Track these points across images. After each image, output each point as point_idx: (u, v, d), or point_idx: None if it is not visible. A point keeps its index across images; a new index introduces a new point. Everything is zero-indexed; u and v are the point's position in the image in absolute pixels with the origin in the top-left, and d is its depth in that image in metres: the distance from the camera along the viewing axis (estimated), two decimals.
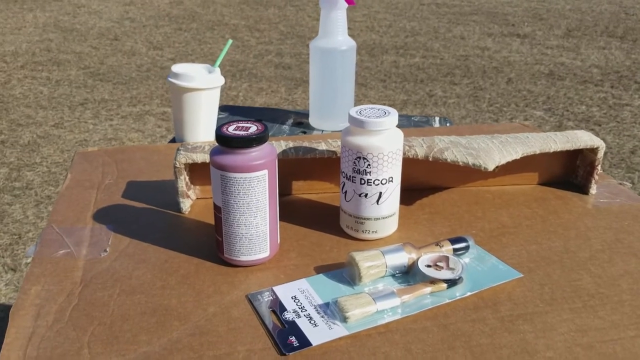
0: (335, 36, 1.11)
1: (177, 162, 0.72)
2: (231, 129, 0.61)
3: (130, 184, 0.84)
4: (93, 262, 0.66)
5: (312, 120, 1.18)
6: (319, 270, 0.64)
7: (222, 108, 1.25)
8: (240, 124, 0.62)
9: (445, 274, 0.60)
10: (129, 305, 0.59)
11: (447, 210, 0.76)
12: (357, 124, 0.64)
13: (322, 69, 1.12)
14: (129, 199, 0.80)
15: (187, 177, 0.75)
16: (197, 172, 0.77)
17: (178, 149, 0.75)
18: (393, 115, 0.64)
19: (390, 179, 0.66)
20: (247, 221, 0.61)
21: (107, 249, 0.68)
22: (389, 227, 0.69)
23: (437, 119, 1.23)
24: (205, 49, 4.54)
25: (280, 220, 0.74)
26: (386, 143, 0.64)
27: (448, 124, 1.20)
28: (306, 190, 0.80)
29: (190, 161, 0.73)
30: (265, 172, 0.60)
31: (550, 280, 0.62)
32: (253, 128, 0.61)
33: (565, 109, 3.45)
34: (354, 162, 0.65)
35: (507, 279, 0.62)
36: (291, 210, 0.76)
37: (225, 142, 0.59)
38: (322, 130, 1.15)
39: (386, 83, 3.79)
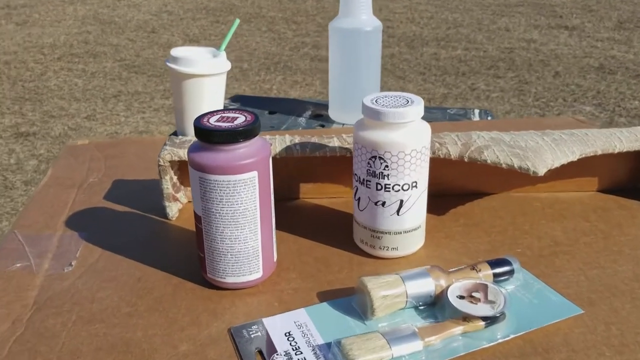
0: (359, 15, 0.97)
1: (161, 160, 0.61)
2: (213, 120, 0.48)
3: (116, 183, 0.73)
4: (53, 278, 0.55)
5: (332, 113, 1.04)
6: (323, 297, 0.51)
7: (234, 98, 1.13)
8: (226, 114, 0.50)
9: (483, 309, 0.47)
10: (83, 338, 0.47)
11: (486, 222, 0.62)
12: (372, 115, 0.51)
13: (343, 53, 0.98)
14: (111, 200, 0.68)
15: (174, 177, 0.63)
16: (188, 170, 0.65)
17: (164, 144, 0.63)
18: (417, 105, 0.51)
19: (414, 185, 0.53)
20: (232, 234, 0.49)
21: (73, 263, 0.57)
22: (413, 242, 0.56)
23: (476, 111, 1.08)
24: (241, 42, 4.45)
25: (280, 230, 0.61)
26: (409, 139, 0.51)
27: (489, 117, 1.05)
28: (315, 194, 0.67)
29: (176, 158, 0.61)
30: (255, 174, 0.48)
31: (619, 317, 0.48)
32: (240, 119, 0.49)
33: (617, 104, 3.24)
34: (369, 163, 0.52)
35: (562, 317, 0.48)
36: (295, 219, 0.63)
37: (205, 136, 0.47)
38: (343, 124, 1.02)
39: (425, 76, 3.63)
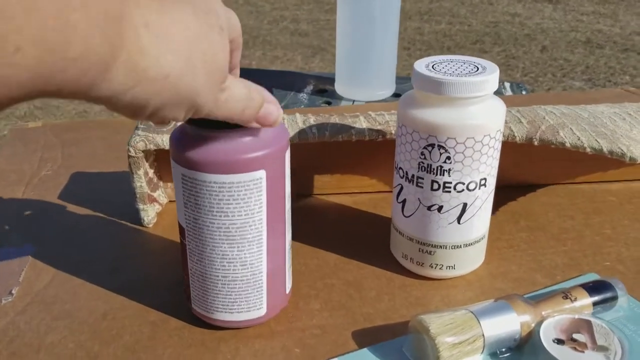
0: None
1: (131, 149, 0.46)
2: None
3: (76, 176, 0.57)
4: None
5: (339, 87, 0.88)
6: (361, 338, 0.37)
7: None
8: None
9: None
10: None
11: (555, 225, 0.49)
12: (431, 87, 0.36)
13: (354, 16, 0.81)
14: (69, 201, 0.53)
15: (150, 171, 0.48)
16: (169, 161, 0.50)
17: (136, 128, 0.48)
18: (492, 74, 0.37)
19: (483, 182, 0.39)
20: (226, 255, 0.35)
21: (14, 291, 0.42)
22: (474, 258, 0.42)
23: (507, 84, 0.92)
24: None
25: (292, 239, 0.47)
26: (482, 120, 0.37)
27: (524, 92, 0.91)
28: (332, 189, 0.53)
29: (153, 147, 0.46)
30: (262, 173, 0.33)
31: None
32: None
33: (607, 79, 3.15)
34: (422, 154, 0.38)
35: None
36: (310, 223, 0.49)
37: (196, 119, 0.32)
38: (353, 101, 0.87)
39: (410, 51, 3.49)
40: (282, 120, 0.33)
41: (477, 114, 0.36)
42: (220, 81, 0.28)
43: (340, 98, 0.87)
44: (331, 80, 0.91)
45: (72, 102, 2.76)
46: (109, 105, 0.24)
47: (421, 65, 0.38)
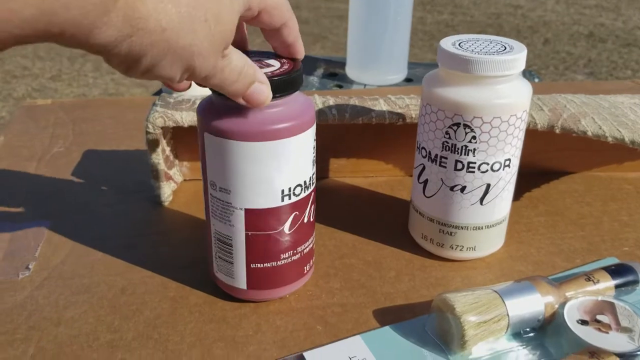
0: None
1: (150, 126, 0.45)
2: None
3: (88, 154, 0.57)
4: (2, 289, 0.39)
5: (350, 71, 0.87)
6: (382, 317, 0.37)
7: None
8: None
9: (619, 341, 0.33)
10: None
11: (573, 210, 0.49)
12: (458, 65, 0.36)
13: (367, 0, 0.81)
14: (82, 177, 0.53)
15: (167, 149, 0.48)
16: (186, 139, 0.50)
17: (154, 104, 0.47)
18: (520, 52, 0.36)
19: (507, 163, 0.38)
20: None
21: (31, 266, 0.41)
22: (495, 240, 0.42)
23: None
24: None
25: None
26: (509, 100, 0.36)
27: (536, 80, 0.90)
28: (348, 172, 0.52)
29: (172, 123, 0.46)
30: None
31: None
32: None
33: (609, 73, 3.14)
34: (447, 133, 0.37)
35: None
36: (328, 205, 0.49)
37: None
38: (365, 85, 0.86)
39: (412, 41, 3.47)
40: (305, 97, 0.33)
41: (505, 93, 0.36)
42: (223, 46, 0.27)
43: (352, 82, 0.86)
44: (341, 64, 0.90)
45: (71, 85, 2.75)
46: (105, 55, 0.24)
47: (447, 43, 0.37)
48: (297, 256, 0.37)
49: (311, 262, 0.39)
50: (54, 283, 0.40)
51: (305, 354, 0.34)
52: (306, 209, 0.36)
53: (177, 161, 0.51)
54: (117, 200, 0.49)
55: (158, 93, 0.85)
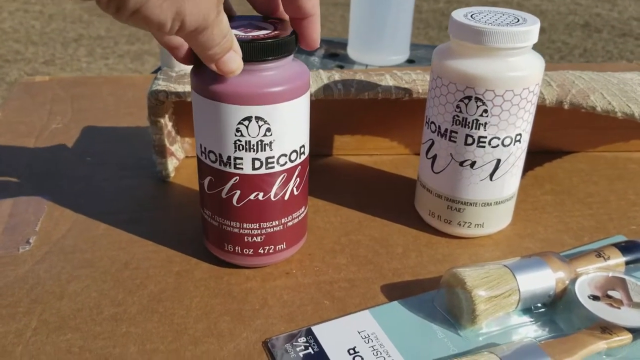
0: None
1: (152, 99, 0.44)
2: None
3: (88, 130, 0.56)
4: (3, 263, 0.39)
5: (352, 52, 0.86)
6: (390, 292, 0.37)
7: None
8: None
9: (630, 316, 0.33)
10: (49, 355, 0.32)
11: (580, 189, 0.48)
12: (470, 37, 0.35)
13: None
14: (81, 153, 0.52)
15: (170, 124, 0.47)
16: (189, 114, 0.49)
17: (156, 78, 0.46)
18: (533, 24, 0.36)
19: (518, 138, 0.38)
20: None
21: (32, 240, 0.41)
22: (503, 217, 0.41)
23: None
24: None
25: (313, 197, 0.46)
26: (522, 72, 0.36)
27: None
28: (352, 150, 0.52)
29: (174, 97, 0.45)
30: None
31: None
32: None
33: (605, 62, 3.14)
34: (458, 106, 0.37)
35: None
36: (332, 182, 0.48)
37: None
38: (366, 65, 0.85)
39: None
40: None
41: (518, 65, 0.35)
42: (218, 1, 0.27)
43: (353, 62, 0.86)
44: (343, 44, 0.89)
45: (64, 69, 2.72)
46: None
47: (459, 15, 0.37)
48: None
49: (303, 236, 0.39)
50: (56, 257, 0.39)
51: (313, 328, 0.34)
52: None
53: (178, 137, 0.50)
54: (119, 176, 0.49)
55: (156, 72, 0.84)
